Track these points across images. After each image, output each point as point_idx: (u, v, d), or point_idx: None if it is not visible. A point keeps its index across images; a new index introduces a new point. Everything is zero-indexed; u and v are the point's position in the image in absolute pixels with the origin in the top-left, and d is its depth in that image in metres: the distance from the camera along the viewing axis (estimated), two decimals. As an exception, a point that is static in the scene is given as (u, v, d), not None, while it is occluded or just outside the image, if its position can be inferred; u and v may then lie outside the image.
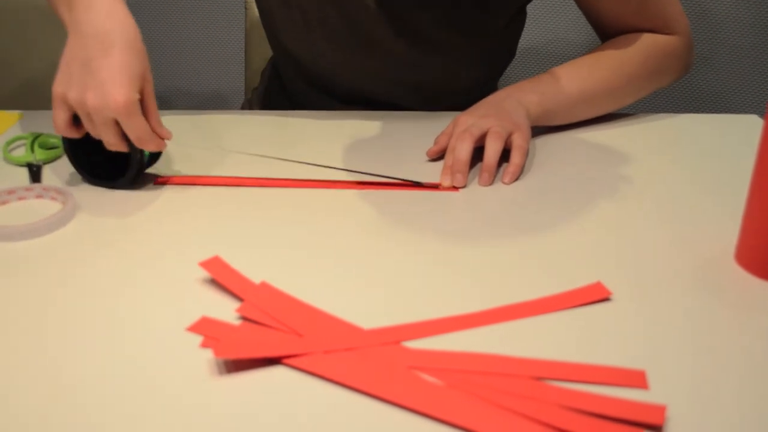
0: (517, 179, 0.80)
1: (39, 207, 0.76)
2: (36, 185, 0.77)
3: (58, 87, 0.71)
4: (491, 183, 0.79)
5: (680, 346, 0.55)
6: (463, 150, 0.79)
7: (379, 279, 0.64)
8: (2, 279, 0.64)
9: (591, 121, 0.94)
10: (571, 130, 0.92)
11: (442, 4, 0.90)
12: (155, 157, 0.79)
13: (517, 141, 0.81)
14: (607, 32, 0.94)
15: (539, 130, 0.90)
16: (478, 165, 0.80)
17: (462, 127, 0.82)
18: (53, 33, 1.28)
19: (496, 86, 1.10)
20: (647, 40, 0.91)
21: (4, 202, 0.76)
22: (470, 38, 0.94)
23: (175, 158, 0.85)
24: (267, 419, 0.49)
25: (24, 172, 0.82)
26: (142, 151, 0.75)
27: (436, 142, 0.85)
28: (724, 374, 0.53)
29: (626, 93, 0.91)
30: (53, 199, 0.77)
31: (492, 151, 0.79)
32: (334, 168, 0.83)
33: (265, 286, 0.62)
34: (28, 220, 0.70)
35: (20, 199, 0.77)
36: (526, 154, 0.82)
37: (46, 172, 0.82)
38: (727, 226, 0.70)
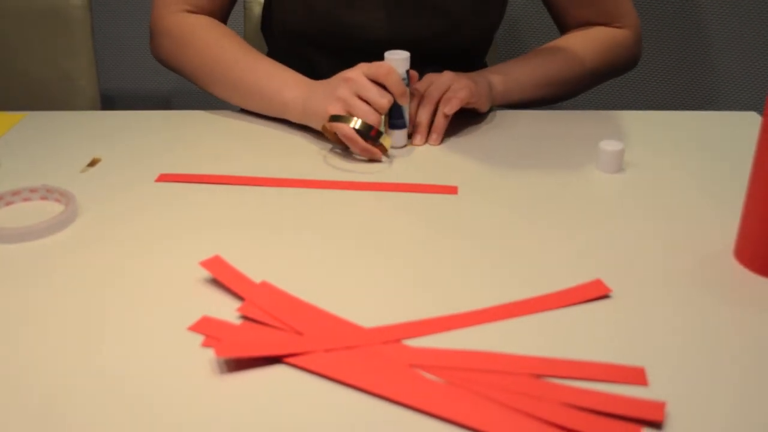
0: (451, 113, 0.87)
1: (43, 208, 0.76)
2: (40, 186, 0.77)
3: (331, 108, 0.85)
4: (422, 143, 0.89)
5: (680, 342, 0.56)
6: (422, 115, 0.89)
7: (380, 278, 0.64)
8: (5, 280, 0.64)
9: (590, 118, 0.94)
10: (569, 127, 0.92)
11: None
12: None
13: (461, 92, 0.87)
14: (567, 24, 1.05)
15: (538, 128, 0.90)
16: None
17: (427, 82, 0.90)
18: (54, 34, 1.28)
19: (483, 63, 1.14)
20: (602, 33, 1.01)
21: (8, 203, 0.76)
22: None
23: (176, 157, 0.85)
24: (268, 418, 0.49)
25: (26, 173, 0.82)
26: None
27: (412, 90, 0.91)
28: (724, 370, 0.53)
29: (582, 81, 1.01)
30: (57, 200, 0.77)
31: (438, 116, 0.88)
32: (334, 167, 0.83)
33: (265, 286, 0.62)
34: (32, 222, 0.71)
35: (25, 200, 0.77)
36: (462, 102, 0.87)
37: (50, 173, 0.82)
38: (726, 222, 0.70)
